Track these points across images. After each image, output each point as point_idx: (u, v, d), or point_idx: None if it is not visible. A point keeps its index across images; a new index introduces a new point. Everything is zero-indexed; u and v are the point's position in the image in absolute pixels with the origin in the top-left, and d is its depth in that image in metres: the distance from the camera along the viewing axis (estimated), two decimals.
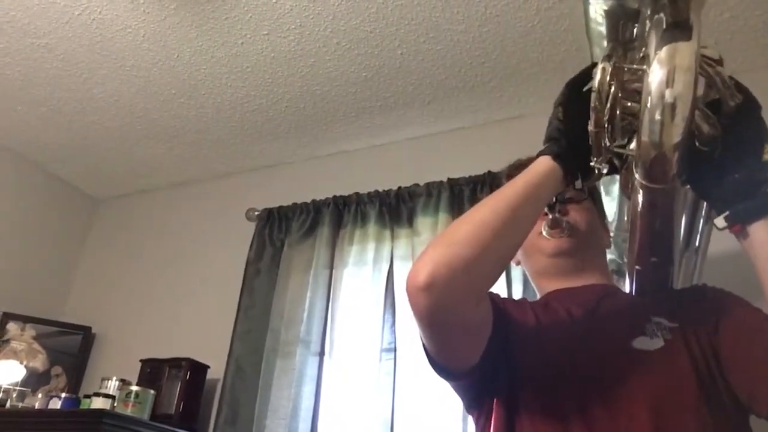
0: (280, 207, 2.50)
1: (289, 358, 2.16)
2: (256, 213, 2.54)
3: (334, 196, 2.38)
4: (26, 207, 2.86)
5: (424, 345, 0.90)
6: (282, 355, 2.19)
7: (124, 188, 3.08)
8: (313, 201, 2.43)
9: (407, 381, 1.97)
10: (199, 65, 2.21)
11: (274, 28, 2.02)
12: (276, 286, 2.34)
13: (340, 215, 2.36)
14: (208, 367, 2.31)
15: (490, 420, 0.92)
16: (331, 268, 2.29)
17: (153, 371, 2.26)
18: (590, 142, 0.81)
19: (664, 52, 0.69)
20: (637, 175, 0.79)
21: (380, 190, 2.31)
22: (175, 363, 2.25)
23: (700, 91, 0.77)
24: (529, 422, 0.88)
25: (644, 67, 0.72)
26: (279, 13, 1.96)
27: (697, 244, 1.16)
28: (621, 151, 0.81)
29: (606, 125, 0.79)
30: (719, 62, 0.76)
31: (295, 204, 2.47)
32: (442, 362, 0.91)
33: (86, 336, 2.72)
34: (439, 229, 2.10)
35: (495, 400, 0.93)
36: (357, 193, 2.35)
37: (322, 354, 2.16)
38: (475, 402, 0.98)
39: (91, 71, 2.29)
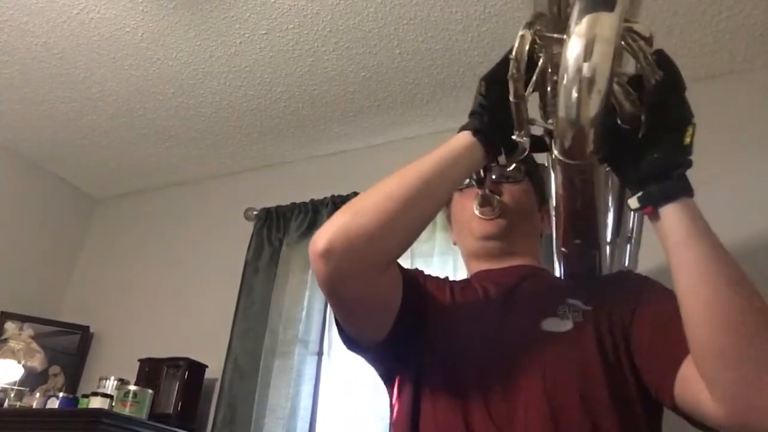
0: (279, 206, 2.49)
1: (288, 357, 2.16)
2: (255, 213, 2.54)
3: (333, 196, 2.38)
4: (24, 206, 2.86)
5: (335, 316, 0.90)
6: (280, 354, 2.19)
7: (122, 187, 3.08)
8: (312, 201, 2.42)
9: None
10: (197, 64, 2.21)
11: (273, 28, 2.02)
12: (274, 286, 2.33)
13: None
14: (207, 366, 2.30)
15: (400, 396, 0.92)
16: None
17: (151, 371, 2.25)
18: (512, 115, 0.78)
19: (583, 23, 0.66)
20: (555, 151, 0.77)
21: None
22: (174, 362, 2.24)
23: (630, 68, 0.74)
24: (431, 400, 0.87)
25: (564, 36, 0.69)
26: (277, 13, 1.96)
27: (629, 234, 1.13)
28: (539, 124, 0.79)
29: (526, 96, 0.77)
30: (648, 41, 0.73)
31: (293, 203, 2.47)
32: (350, 333, 0.91)
33: (84, 335, 2.72)
34: (437, 229, 2.11)
35: (404, 376, 0.92)
36: (355, 193, 2.35)
37: (320, 354, 2.16)
38: (387, 377, 0.98)
39: (89, 70, 2.29)
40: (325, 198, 2.39)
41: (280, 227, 2.46)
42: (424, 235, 2.19)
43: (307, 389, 2.10)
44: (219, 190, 2.85)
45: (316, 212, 2.40)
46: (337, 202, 2.37)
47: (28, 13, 2.05)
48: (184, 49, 2.14)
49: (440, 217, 2.12)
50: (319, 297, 2.24)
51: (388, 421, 1.89)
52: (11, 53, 2.23)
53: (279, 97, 2.33)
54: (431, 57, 2.07)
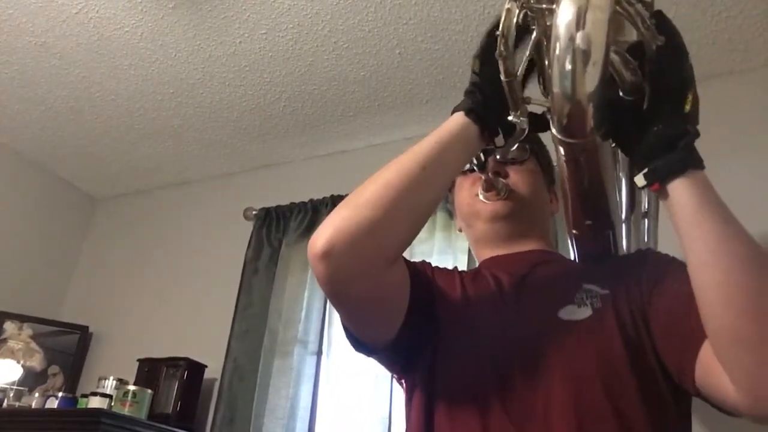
0: (278, 206, 2.49)
1: (287, 357, 2.16)
2: (254, 212, 2.53)
3: (332, 196, 2.38)
4: (24, 206, 2.85)
5: (340, 318, 0.86)
6: (280, 354, 2.19)
7: (121, 187, 3.08)
8: (311, 200, 2.42)
9: None
10: (196, 64, 2.20)
11: (272, 28, 2.02)
12: (274, 286, 2.33)
13: None
14: (206, 366, 2.30)
15: (413, 394, 0.87)
16: None
17: (150, 371, 2.25)
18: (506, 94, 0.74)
19: None
20: (553, 130, 0.72)
21: None
22: (173, 362, 2.24)
23: (631, 36, 0.70)
24: (446, 398, 0.83)
25: (554, 6, 0.63)
26: (277, 12, 1.96)
27: (644, 209, 1.08)
28: (536, 102, 0.74)
29: (519, 74, 0.72)
30: (647, 4, 0.68)
31: (292, 203, 2.47)
32: (357, 334, 0.86)
33: (83, 335, 2.72)
34: (437, 228, 2.10)
35: (417, 375, 0.87)
36: None
37: (319, 353, 2.16)
38: (400, 376, 0.94)
39: (88, 70, 2.28)
40: (324, 198, 2.39)
41: (279, 227, 2.46)
42: (423, 234, 2.20)
43: (306, 389, 2.10)
44: (218, 189, 2.85)
45: (315, 212, 2.40)
46: (336, 202, 2.33)
47: (27, 12, 2.04)
48: (183, 48, 2.14)
49: (440, 217, 2.13)
50: (319, 297, 2.24)
51: (387, 421, 1.91)
52: (10, 53, 2.23)
53: (278, 96, 2.33)
54: (431, 57, 2.07)
